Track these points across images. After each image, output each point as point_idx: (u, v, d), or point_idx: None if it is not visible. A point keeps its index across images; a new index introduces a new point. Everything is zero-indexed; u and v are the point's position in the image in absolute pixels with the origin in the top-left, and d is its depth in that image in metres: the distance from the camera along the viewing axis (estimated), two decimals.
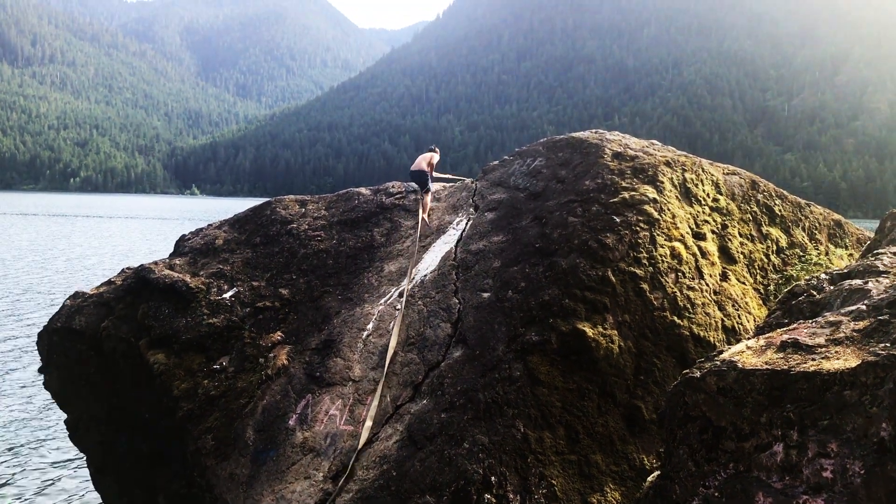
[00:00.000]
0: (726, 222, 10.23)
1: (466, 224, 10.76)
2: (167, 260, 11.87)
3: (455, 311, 9.27)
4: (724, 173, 10.90)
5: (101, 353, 10.98)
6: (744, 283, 9.82)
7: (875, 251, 5.00)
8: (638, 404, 8.29)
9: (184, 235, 12.51)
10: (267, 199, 12.58)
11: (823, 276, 4.54)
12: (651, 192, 9.71)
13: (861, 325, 3.59)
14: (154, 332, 10.35)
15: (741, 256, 10.05)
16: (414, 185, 12.34)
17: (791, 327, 3.80)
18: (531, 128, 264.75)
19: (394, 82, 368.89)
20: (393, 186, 12.50)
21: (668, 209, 9.67)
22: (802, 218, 11.20)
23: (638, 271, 9.03)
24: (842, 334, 3.53)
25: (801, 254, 10.62)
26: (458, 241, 10.41)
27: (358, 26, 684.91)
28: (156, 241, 68.26)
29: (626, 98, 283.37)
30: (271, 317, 10.38)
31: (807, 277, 5.01)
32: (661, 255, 9.24)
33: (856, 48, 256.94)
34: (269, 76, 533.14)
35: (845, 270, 4.51)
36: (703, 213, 10.10)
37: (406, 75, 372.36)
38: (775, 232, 10.68)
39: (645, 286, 8.96)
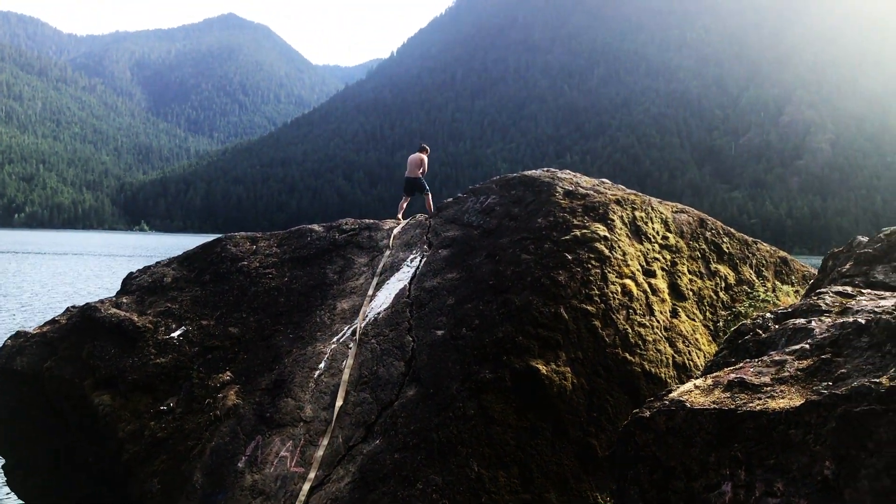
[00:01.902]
0: (676, 259, 10.39)
1: (421, 261, 10.74)
2: (114, 298, 11.60)
3: (409, 349, 9.21)
4: (672, 211, 11.09)
5: (43, 394, 10.63)
6: (693, 320, 9.95)
7: (818, 290, 5.12)
8: (591, 441, 8.29)
9: (131, 273, 12.25)
10: (217, 236, 12.42)
11: (769, 315, 4.63)
12: (602, 230, 9.83)
13: (805, 364, 3.65)
14: (99, 372, 10.07)
15: (691, 293, 10.20)
16: (368, 221, 12.31)
17: (738, 366, 3.85)
18: (485, 165, 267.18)
19: (348, 118, 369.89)
20: (346, 223, 12.44)
21: (619, 247, 9.79)
22: (750, 255, 11.43)
23: (590, 308, 9.09)
24: (786, 373, 3.58)
25: (749, 290, 10.82)
26: (413, 279, 10.38)
27: (312, 62, 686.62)
28: (103, 279, 66.71)
29: (578, 137, 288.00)
30: (221, 356, 10.18)
31: (753, 316, 5.09)
32: (612, 292, 9.33)
33: (798, 90, 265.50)
34: (222, 111, 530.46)
35: (789, 309, 4.61)
36: (654, 250, 10.24)
37: (360, 111, 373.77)
38: (724, 269, 10.88)
39: (597, 323, 9.02)
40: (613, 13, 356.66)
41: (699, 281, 10.46)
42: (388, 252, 11.31)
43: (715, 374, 3.82)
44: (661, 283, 9.96)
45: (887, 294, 4.34)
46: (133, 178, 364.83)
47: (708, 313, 10.25)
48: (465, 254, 10.47)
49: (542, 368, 8.48)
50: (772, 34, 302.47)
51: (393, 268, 10.88)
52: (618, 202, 10.48)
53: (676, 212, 11.14)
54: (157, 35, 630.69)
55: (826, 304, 4.28)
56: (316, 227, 12.43)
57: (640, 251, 10.09)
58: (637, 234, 10.28)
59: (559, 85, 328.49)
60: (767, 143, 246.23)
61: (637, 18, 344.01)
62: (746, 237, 11.69)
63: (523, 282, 9.37)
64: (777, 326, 4.31)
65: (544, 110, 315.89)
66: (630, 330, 9.14)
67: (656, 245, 10.36)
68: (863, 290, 4.50)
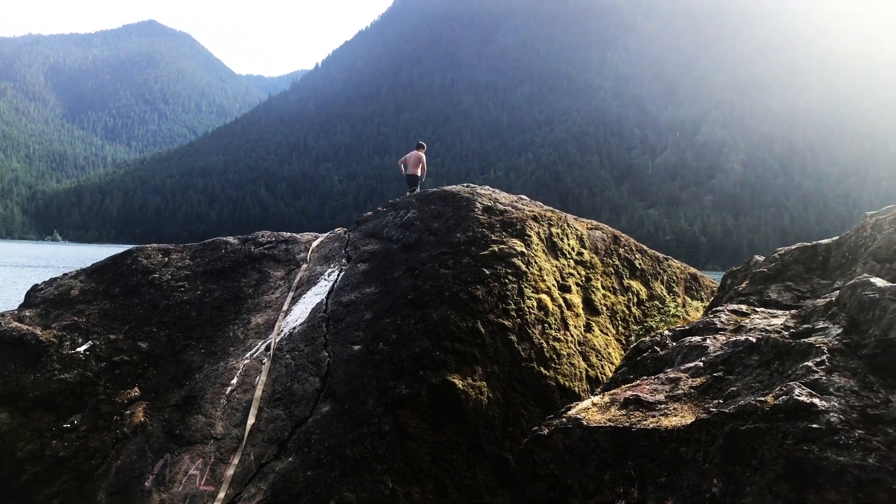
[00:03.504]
0: (590, 275, 10.58)
1: (339, 275, 10.64)
2: (16, 311, 11.10)
3: (324, 364, 9.09)
4: (587, 228, 11.30)
5: None
6: (607, 334, 10.15)
7: (714, 308, 5.28)
8: (506, 455, 8.33)
9: (36, 285, 11.75)
10: (128, 248, 12.04)
11: (667, 332, 4.75)
12: (519, 246, 9.94)
13: (698, 381, 3.75)
14: None
15: (604, 308, 10.40)
16: (285, 234, 12.15)
17: (635, 384, 3.93)
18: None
19: (271, 129, 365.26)
20: (262, 236, 12.23)
21: (536, 262, 9.91)
22: (661, 271, 11.73)
23: (506, 323, 9.16)
24: (680, 391, 3.67)
25: (661, 306, 11.10)
26: (330, 293, 10.27)
27: (235, 72, 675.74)
28: (7, 291, 63.86)
29: (502, 153, 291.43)
30: (129, 371, 9.85)
31: (652, 334, 5.22)
32: (528, 307, 9.42)
33: (713, 111, 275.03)
34: (141, 120, 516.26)
35: (687, 327, 4.74)
36: (569, 266, 10.41)
37: (284, 123, 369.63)
38: (636, 285, 11.13)
39: (513, 337, 9.09)
40: (537, 33, 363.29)
41: (612, 296, 10.67)
42: (305, 266, 11.17)
43: (613, 391, 3.89)
44: (576, 299, 10.13)
45: (779, 312, 4.50)
46: (46, 187, 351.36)
47: (621, 328, 10.47)
48: (383, 268, 10.43)
49: (459, 383, 8.49)
50: (688, 57, 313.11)
51: (310, 282, 10.75)
52: (535, 218, 10.62)
53: (591, 228, 11.35)
54: (73, 39, 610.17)
55: (721, 322, 4.41)
56: (231, 239, 12.19)
57: (556, 267, 10.24)
58: (553, 249, 10.43)
59: (484, 102, 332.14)
60: (683, 162, 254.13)
61: (559, 39, 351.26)
62: (658, 254, 12.01)
63: (441, 296, 9.38)
64: (674, 344, 4.42)
65: (469, 126, 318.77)
66: (545, 344, 9.25)
67: (571, 261, 10.53)
68: (757, 309, 4.66)
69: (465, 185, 11.88)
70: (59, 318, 10.78)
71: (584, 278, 10.49)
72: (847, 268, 5.01)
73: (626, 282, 11.07)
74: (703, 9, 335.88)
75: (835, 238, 5.99)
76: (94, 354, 10.05)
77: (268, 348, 9.61)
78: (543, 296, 9.67)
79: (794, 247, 6.16)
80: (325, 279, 10.63)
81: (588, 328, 9.97)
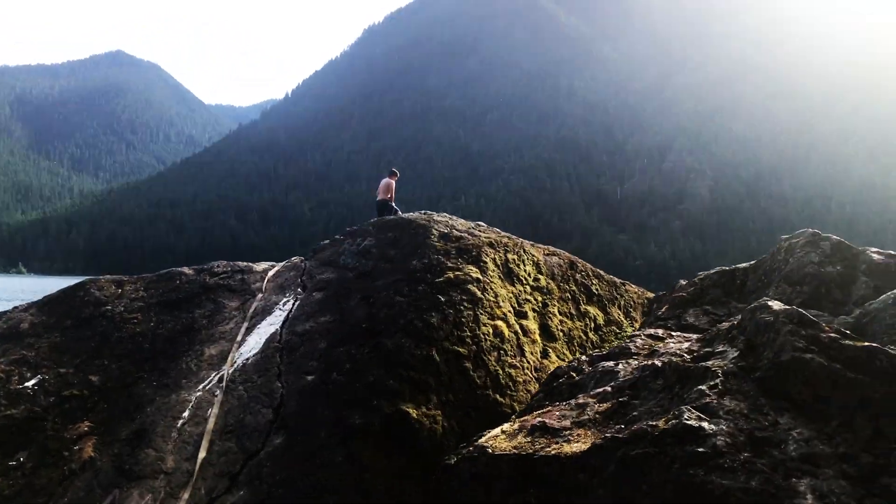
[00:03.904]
0: (547, 301, 10.59)
1: (294, 304, 10.55)
2: None
3: (277, 395, 8.97)
4: (544, 254, 11.34)
5: None
6: (563, 360, 10.13)
7: (633, 333, 5.29)
8: None
9: None
10: (81, 280, 11.86)
11: (584, 357, 4.77)
12: (475, 272, 9.93)
13: (604, 406, 3.75)
14: None
15: (561, 334, 10.40)
16: (241, 264, 12.04)
17: (545, 410, 3.92)
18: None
19: (241, 158, 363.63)
20: (218, 266, 12.11)
21: (492, 288, 9.90)
22: (618, 296, 11.78)
23: (462, 350, 9.12)
24: (586, 416, 3.67)
25: (618, 331, 11.13)
26: (285, 322, 10.17)
27: (204, 102, 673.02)
28: None
29: (473, 180, 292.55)
30: (79, 406, 9.63)
31: (569, 359, 5.23)
32: (484, 334, 9.39)
33: (679, 137, 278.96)
34: (108, 150, 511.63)
35: (604, 352, 4.75)
36: (525, 292, 10.41)
37: (254, 152, 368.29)
38: (593, 310, 11.16)
39: (468, 365, 9.05)
40: (506, 61, 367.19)
41: (569, 322, 10.68)
42: (260, 295, 11.07)
43: (524, 417, 3.88)
44: (533, 325, 10.12)
45: (694, 336, 4.53)
46: (10, 219, 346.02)
47: (578, 353, 10.47)
48: (339, 297, 10.36)
49: (413, 412, 8.41)
50: (654, 85, 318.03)
51: (265, 312, 10.64)
52: (491, 244, 10.63)
53: (548, 254, 11.39)
54: (39, 70, 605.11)
55: (636, 346, 4.43)
56: (186, 269, 12.05)
57: (513, 293, 10.24)
58: (509, 275, 10.43)
59: (454, 129, 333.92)
60: (651, 188, 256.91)
61: (528, 67, 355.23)
62: (615, 279, 12.07)
63: (396, 324, 9.33)
64: (590, 369, 4.43)
65: (440, 153, 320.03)
66: (501, 371, 9.21)
67: (528, 287, 10.53)
68: (673, 333, 4.70)
69: (423, 212, 11.89)
70: (8, 353, 10.55)
71: (540, 304, 10.50)
72: (762, 291, 5.07)
73: (583, 307, 11.09)
74: (668, 38, 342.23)
75: (752, 262, 6.06)
76: (42, 389, 9.83)
77: (221, 380, 9.47)
78: (499, 322, 9.65)
79: (713, 271, 6.24)
80: (280, 309, 10.53)
81: (545, 354, 9.96)
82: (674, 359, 3.79)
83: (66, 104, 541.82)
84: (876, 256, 7.60)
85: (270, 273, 11.71)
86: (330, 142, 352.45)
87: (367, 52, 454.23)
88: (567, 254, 11.75)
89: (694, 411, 3.26)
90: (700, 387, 3.37)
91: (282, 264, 12.23)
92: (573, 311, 10.89)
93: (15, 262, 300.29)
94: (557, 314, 10.61)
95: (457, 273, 9.87)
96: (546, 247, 11.77)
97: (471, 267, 10.04)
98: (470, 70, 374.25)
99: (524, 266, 10.73)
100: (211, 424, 8.80)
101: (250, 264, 12.24)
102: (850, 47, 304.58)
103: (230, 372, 9.53)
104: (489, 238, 10.84)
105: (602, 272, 11.93)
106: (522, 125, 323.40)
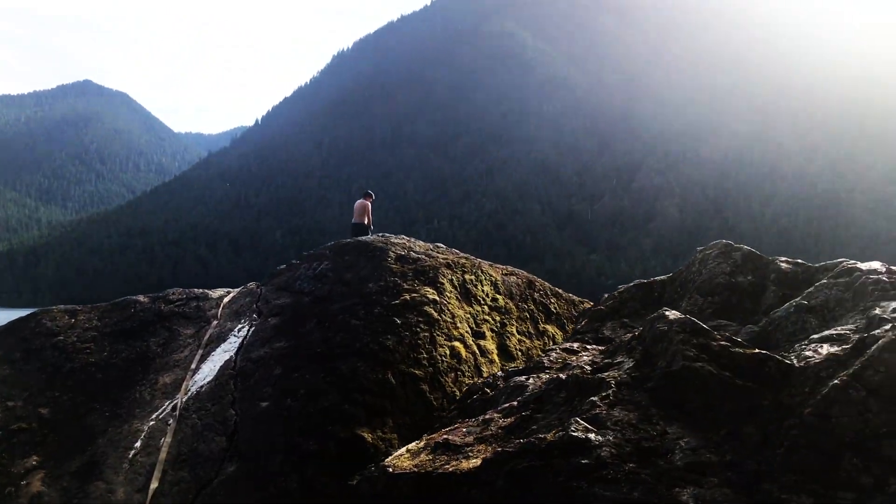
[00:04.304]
0: (505, 321, 10.56)
1: (249, 331, 10.42)
2: None
3: (231, 423, 8.83)
4: (502, 274, 11.32)
5: None
6: None
7: (549, 348, 5.29)
8: None
9: None
10: (33, 311, 11.63)
11: (500, 373, 4.74)
12: (431, 294, 9.89)
13: (508, 421, 3.73)
14: None
15: (519, 353, 10.36)
16: (197, 291, 11.88)
17: (453, 427, 3.90)
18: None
19: (211, 186, 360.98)
20: (173, 293, 11.94)
21: (449, 309, 9.86)
22: (577, 314, 11.78)
23: (418, 372, 9.05)
24: (489, 432, 3.64)
25: None
26: (239, 349, 10.03)
27: (173, 130, 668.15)
28: None
29: (444, 204, 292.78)
30: (27, 440, 9.40)
31: (486, 375, 5.20)
32: (441, 355, 9.33)
33: (647, 158, 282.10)
34: (77, 180, 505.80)
35: (520, 367, 4.74)
36: (483, 312, 10.38)
37: (224, 179, 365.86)
38: (552, 328, 11.14)
39: (425, 387, 8.98)
40: (474, 86, 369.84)
41: (528, 341, 10.65)
42: (215, 322, 10.92)
43: (431, 436, 3.84)
44: (491, 345, 10.08)
45: (607, 349, 4.55)
46: None
47: None
48: (295, 322, 10.25)
49: (368, 436, 8.33)
50: (621, 107, 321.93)
51: (220, 338, 10.49)
52: (448, 266, 10.61)
53: (506, 274, 11.38)
54: (5, 101, 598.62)
55: (549, 360, 4.42)
56: (141, 298, 11.87)
57: (470, 313, 10.20)
58: (467, 296, 10.40)
59: (425, 154, 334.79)
60: (621, 208, 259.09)
61: (497, 92, 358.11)
62: (574, 297, 12.08)
63: (352, 348, 9.25)
64: (503, 384, 4.42)
65: (412, 178, 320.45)
66: (458, 392, 9.14)
67: (486, 307, 10.50)
68: (588, 346, 4.70)
69: (381, 234, 11.84)
70: None
71: (498, 324, 10.46)
72: (677, 302, 5.11)
73: (541, 326, 11.08)
74: (634, 61, 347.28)
75: (670, 274, 6.12)
76: None
77: (174, 408, 9.30)
78: (457, 343, 9.60)
79: (632, 284, 6.30)
80: (234, 335, 10.40)
81: None
82: (576, 371, 3.77)
83: (33, 134, 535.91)
84: (784, 265, 7.76)
85: (226, 300, 11.57)
86: (300, 168, 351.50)
87: (336, 79, 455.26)
88: (526, 273, 11.76)
89: (582, 423, 3.24)
90: (592, 398, 3.36)
91: (237, 290, 12.09)
92: (532, 331, 10.87)
93: None
94: (516, 333, 10.58)
95: (413, 295, 9.82)
96: (504, 266, 11.77)
97: (427, 288, 10.00)
98: (439, 95, 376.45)
99: (482, 286, 10.71)
100: (163, 454, 8.63)
101: (206, 291, 12.08)
102: (812, 65, 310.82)
103: (184, 400, 9.37)
104: (447, 259, 10.82)
105: (560, 291, 11.94)
106: (492, 149, 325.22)
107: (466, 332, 9.85)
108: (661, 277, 5.92)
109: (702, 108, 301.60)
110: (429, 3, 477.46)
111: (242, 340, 10.19)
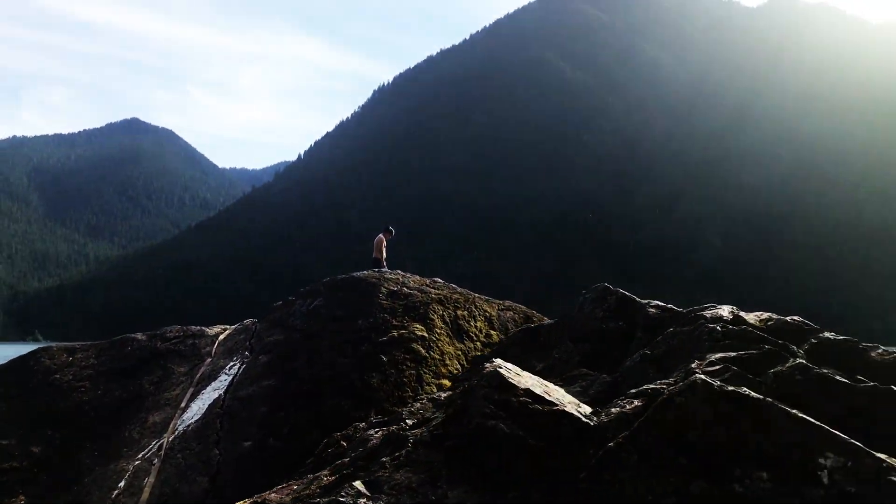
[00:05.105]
0: None
1: (240, 368, 10.38)
2: None
3: (214, 463, 8.75)
4: (498, 309, 11.14)
5: None
6: None
7: (419, 397, 5.09)
8: None
9: None
10: (34, 349, 11.76)
11: (362, 424, 4.60)
12: (420, 330, 9.75)
13: (331, 479, 3.57)
14: None
15: None
16: (194, 328, 11.91)
17: (285, 484, 3.75)
18: (392, 265, 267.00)
19: (254, 221, 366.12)
20: (171, 331, 11.99)
21: (438, 346, 9.71)
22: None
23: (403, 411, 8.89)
24: (308, 492, 3.48)
25: None
26: (229, 387, 9.99)
27: (218, 165, 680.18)
28: None
29: (483, 236, 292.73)
30: (17, 478, 9.44)
31: (355, 425, 5.06)
32: (427, 394, 9.16)
33: (688, 186, 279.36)
34: (123, 216, 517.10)
35: (387, 418, 4.58)
36: (475, 349, 10.19)
37: (267, 214, 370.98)
38: None
39: None
40: (512, 115, 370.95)
41: None
42: (209, 360, 10.91)
43: (263, 493, 3.70)
44: None
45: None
46: (27, 287, 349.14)
47: None
48: (285, 359, 10.19)
49: None
50: (662, 134, 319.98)
51: (211, 376, 10.47)
52: (440, 301, 10.47)
53: (503, 309, 11.20)
54: (56, 140, 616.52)
55: (409, 412, 4.25)
56: (139, 335, 11.94)
57: (462, 350, 10.03)
58: (459, 332, 10.24)
59: (463, 185, 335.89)
60: (662, 238, 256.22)
61: (534, 120, 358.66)
62: None
63: (338, 385, 9.15)
64: (359, 436, 4.26)
65: (449, 210, 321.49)
66: None
67: (479, 343, 10.33)
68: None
69: (376, 269, 11.76)
70: None
71: None
72: (553, 348, 4.94)
73: None
74: (673, 87, 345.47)
75: (554, 320, 5.96)
76: None
77: (160, 448, 9.26)
78: (445, 381, 9.42)
79: (518, 329, 6.21)
80: (225, 373, 10.36)
81: None
82: (394, 427, 3.62)
83: (83, 172, 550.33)
84: (651, 311, 7.57)
85: (221, 337, 11.56)
86: (341, 202, 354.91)
87: (376, 113, 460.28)
88: (523, 307, 11.56)
89: (357, 488, 3.09)
90: (383, 458, 3.21)
91: (233, 327, 12.08)
92: None
93: (31, 329, 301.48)
94: None
95: (401, 332, 9.70)
96: (502, 301, 11.59)
97: (417, 325, 9.87)
98: (477, 127, 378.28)
99: (475, 322, 10.54)
100: (146, 495, 8.58)
101: (203, 328, 12.10)
102: (857, 88, 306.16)
103: (170, 440, 9.33)
104: (440, 294, 10.69)
105: None
106: (531, 180, 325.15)
107: (457, 369, 9.67)
108: (549, 322, 5.77)
109: (742, 134, 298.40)
110: (468, 38, 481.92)
111: (233, 378, 10.15)
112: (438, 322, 10.06)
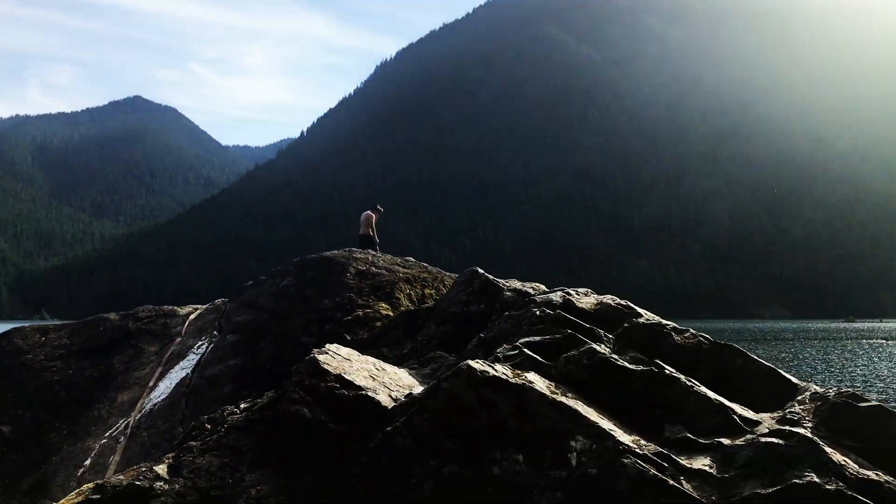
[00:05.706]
0: None
1: (208, 348, 10.46)
2: None
3: (178, 440, 8.84)
4: None
5: None
6: None
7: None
8: None
9: None
10: (6, 329, 11.85)
11: (230, 407, 4.67)
12: (385, 309, 9.80)
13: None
14: None
15: None
16: (166, 308, 11.97)
17: (140, 466, 3.84)
18: (398, 242, 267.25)
19: (258, 199, 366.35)
20: (143, 310, 12.07)
21: None
22: None
23: None
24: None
25: None
26: (196, 366, 10.07)
27: (221, 143, 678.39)
28: None
29: (488, 213, 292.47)
30: None
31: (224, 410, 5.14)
32: None
33: (695, 161, 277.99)
34: (128, 195, 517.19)
35: (264, 401, 4.66)
36: None
37: (271, 191, 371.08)
38: None
39: None
40: (517, 93, 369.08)
41: None
42: (178, 339, 10.99)
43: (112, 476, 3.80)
44: None
45: None
46: (33, 266, 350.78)
47: None
48: (252, 338, 10.26)
49: None
50: (667, 110, 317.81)
51: (180, 355, 10.55)
52: (407, 280, 10.52)
53: None
54: (60, 119, 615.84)
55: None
56: (111, 315, 12.02)
57: None
58: None
59: (468, 162, 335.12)
60: (669, 214, 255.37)
61: (540, 97, 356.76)
62: None
63: None
64: (221, 416, 4.34)
65: (455, 187, 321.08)
66: None
67: None
68: None
69: (346, 249, 11.79)
70: None
71: None
72: (429, 332, 5.03)
73: None
74: (678, 62, 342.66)
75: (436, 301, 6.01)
76: None
77: (127, 426, 9.36)
78: None
79: (398, 313, 6.34)
80: (194, 353, 10.45)
81: None
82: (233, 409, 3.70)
83: (87, 151, 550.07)
84: (507, 294, 7.69)
85: (192, 317, 11.64)
86: (345, 179, 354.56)
87: (380, 89, 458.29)
88: None
89: (156, 472, 3.17)
90: (192, 442, 3.28)
91: (205, 307, 12.15)
92: None
93: (38, 308, 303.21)
94: None
95: (366, 311, 9.75)
96: None
97: (382, 304, 9.92)
98: (482, 103, 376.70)
99: None
100: (110, 472, 8.68)
101: (175, 308, 12.18)
102: (864, 63, 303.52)
103: (137, 418, 9.43)
104: (408, 274, 10.73)
105: None
106: (536, 156, 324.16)
107: None
108: (428, 306, 5.86)
109: (748, 108, 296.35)
110: (470, 11, 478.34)
111: (200, 357, 10.24)
112: (405, 301, 10.11)
